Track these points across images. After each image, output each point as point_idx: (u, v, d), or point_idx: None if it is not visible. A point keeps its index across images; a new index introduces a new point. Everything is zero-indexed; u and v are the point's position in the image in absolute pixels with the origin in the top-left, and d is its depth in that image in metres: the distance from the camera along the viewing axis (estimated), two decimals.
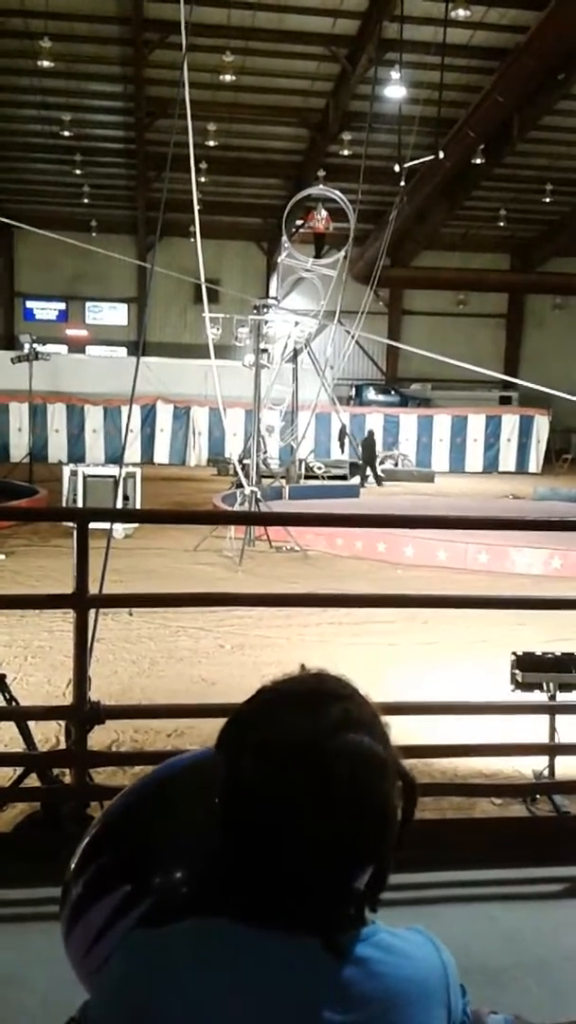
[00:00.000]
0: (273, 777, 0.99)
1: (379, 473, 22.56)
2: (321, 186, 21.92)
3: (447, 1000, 1.06)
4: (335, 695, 1.04)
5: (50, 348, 25.96)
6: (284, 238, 20.09)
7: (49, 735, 4.77)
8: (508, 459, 28.36)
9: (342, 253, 19.44)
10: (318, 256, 22.04)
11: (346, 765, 0.98)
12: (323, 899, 1.00)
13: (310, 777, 0.98)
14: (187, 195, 8.77)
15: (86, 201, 30.39)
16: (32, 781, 3.63)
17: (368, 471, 22.10)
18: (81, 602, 3.22)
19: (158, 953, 1.02)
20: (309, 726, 1.00)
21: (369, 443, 23.01)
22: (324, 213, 23.13)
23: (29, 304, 34.32)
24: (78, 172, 28.35)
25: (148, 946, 1.04)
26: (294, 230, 30.29)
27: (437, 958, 1.07)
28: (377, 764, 1.01)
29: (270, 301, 17.00)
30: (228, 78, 21.70)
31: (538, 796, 4.16)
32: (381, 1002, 0.99)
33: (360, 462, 22.53)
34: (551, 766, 4.15)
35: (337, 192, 19.75)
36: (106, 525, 5.03)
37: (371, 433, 23.96)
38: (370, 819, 1.00)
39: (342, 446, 24.93)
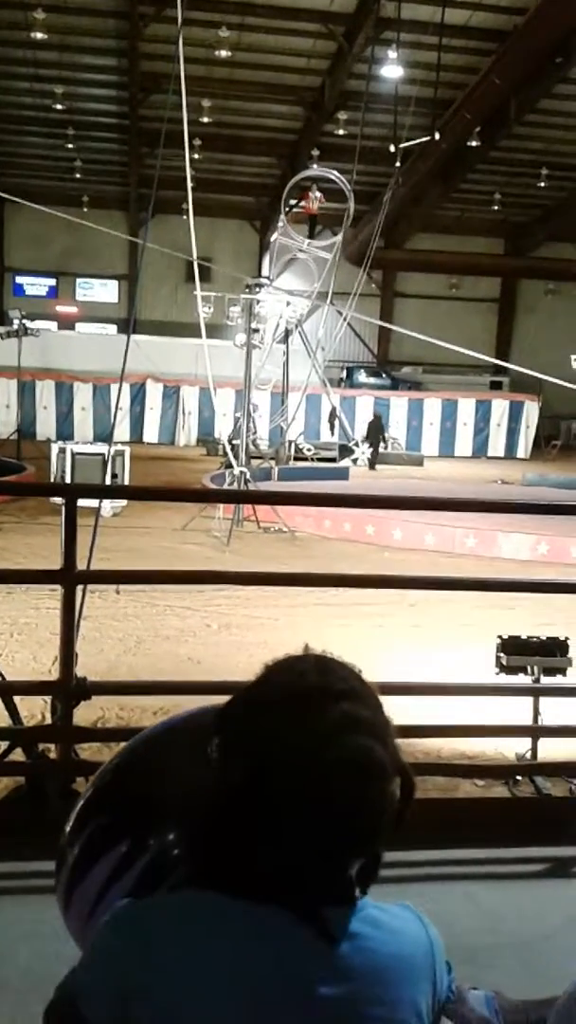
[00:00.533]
0: (270, 784, 0.98)
1: (374, 457, 22.72)
2: (317, 166, 21.69)
3: (433, 976, 1.08)
4: (336, 693, 1.01)
5: (39, 324, 25.76)
6: (281, 217, 19.88)
7: (35, 711, 4.77)
8: (498, 444, 28.40)
9: (340, 235, 19.29)
10: (311, 237, 21.87)
11: (344, 773, 0.98)
12: (314, 886, 1.00)
13: (307, 785, 0.97)
14: (180, 172, 8.70)
15: (78, 176, 30.07)
16: (17, 756, 3.64)
17: (365, 450, 22.32)
18: (69, 578, 3.21)
19: (147, 926, 1.02)
20: (307, 734, 0.98)
21: (376, 426, 23.28)
22: (319, 194, 22.90)
23: (19, 280, 34.01)
24: (70, 146, 28.05)
25: (136, 918, 1.04)
26: (287, 209, 30.09)
27: (424, 934, 1.09)
28: (376, 769, 1.00)
29: (262, 280, 16.90)
30: (224, 54, 21.47)
31: (520, 778, 4.19)
32: (369, 976, 1.01)
33: (349, 443, 22.59)
34: (534, 748, 4.19)
35: (336, 173, 19.54)
36: (94, 503, 5.01)
37: (378, 417, 24.23)
38: (366, 818, 1.00)
39: (332, 428, 24.91)
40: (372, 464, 22.39)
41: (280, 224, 19.97)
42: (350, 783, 0.98)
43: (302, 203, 25.07)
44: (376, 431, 23.04)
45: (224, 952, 0.99)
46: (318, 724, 0.98)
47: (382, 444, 23.46)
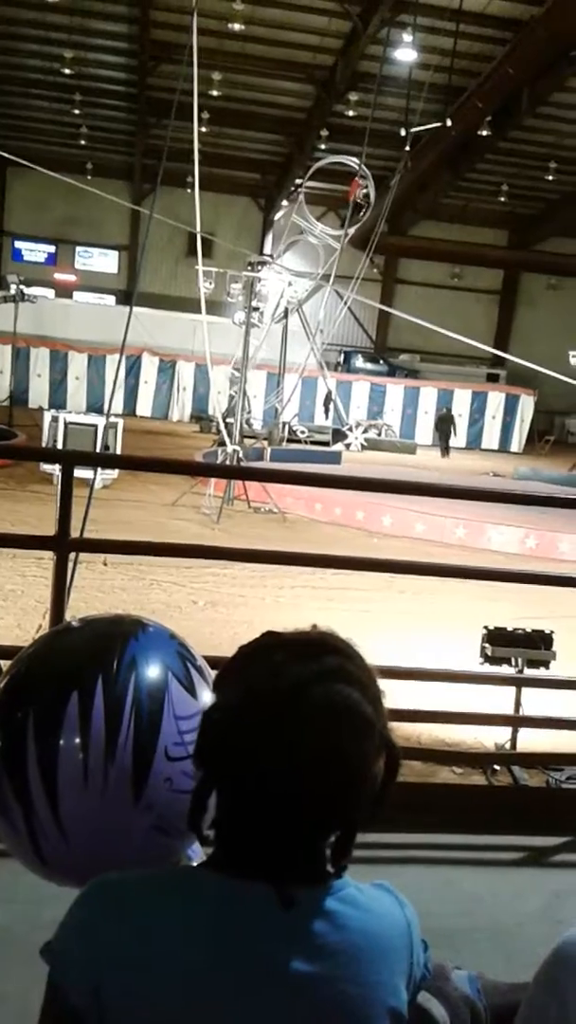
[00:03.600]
0: (253, 709, 1.00)
1: (446, 448, 24.39)
2: (348, 158, 21.06)
3: (410, 955, 1.08)
4: (336, 650, 1.05)
5: (37, 291, 25.55)
6: (301, 197, 19.48)
7: None
8: (491, 437, 28.44)
9: (354, 226, 19.01)
10: (344, 223, 21.51)
11: (328, 713, 0.99)
12: (287, 851, 1.01)
13: (291, 717, 0.98)
14: (187, 144, 8.60)
15: (83, 143, 29.77)
16: None
17: (359, 435, 22.78)
18: (62, 544, 3.20)
19: (123, 896, 1.03)
20: (301, 670, 1.00)
21: (447, 418, 25.31)
22: (366, 182, 22.00)
23: (18, 244, 33.71)
24: (76, 112, 27.74)
25: (113, 889, 1.04)
26: (293, 188, 29.85)
27: (401, 913, 1.09)
28: (361, 721, 1.01)
29: (265, 258, 16.80)
30: (237, 27, 21.23)
31: (498, 767, 4.23)
32: (346, 954, 1.01)
33: (343, 427, 22.67)
34: (513, 738, 4.22)
35: (365, 168, 18.91)
36: (86, 474, 4.99)
37: (448, 410, 26.14)
38: (343, 774, 1.00)
39: (327, 412, 24.89)
40: (445, 452, 24.17)
41: (295, 203, 19.58)
42: (332, 723, 0.99)
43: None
44: (447, 423, 25.06)
45: (200, 926, 0.99)
46: (312, 665, 1.01)
47: (452, 436, 25.17)
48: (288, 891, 0.99)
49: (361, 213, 18.77)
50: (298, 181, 25.98)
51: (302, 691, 0.99)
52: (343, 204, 20.17)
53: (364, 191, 18.09)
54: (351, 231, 18.88)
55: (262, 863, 1.00)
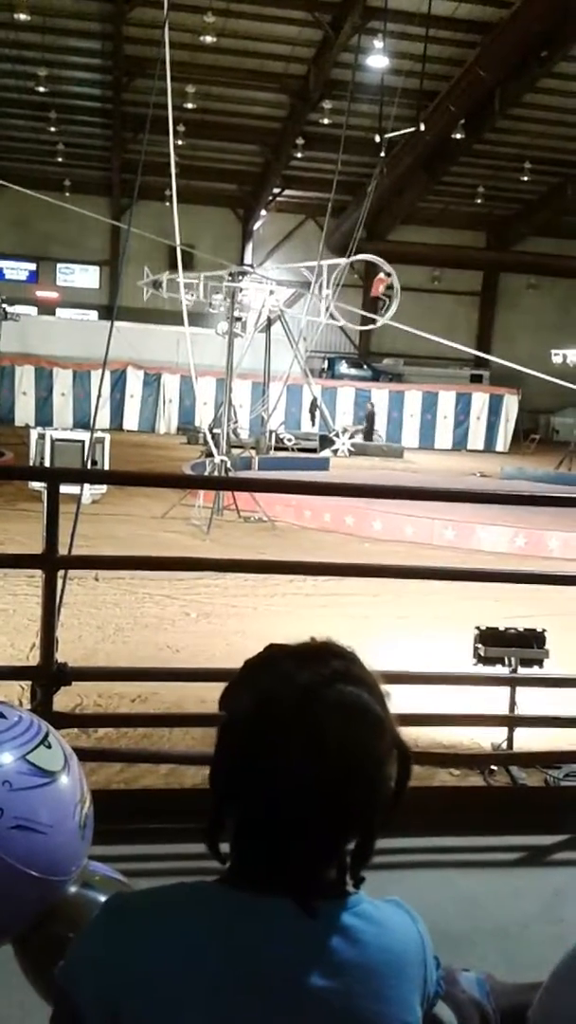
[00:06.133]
0: (268, 714, 1.00)
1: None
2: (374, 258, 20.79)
3: (424, 972, 1.09)
4: (339, 655, 1.07)
5: (19, 309, 25.53)
6: (329, 293, 19.02)
7: (12, 697, 4.75)
8: (477, 437, 28.52)
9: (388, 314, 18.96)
10: (372, 317, 21.58)
11: (341, 713, 1.00)
12: (306, 862, 1.01)
13: (303, 720, 0.99)
14: (164, 158, 8.63)
15: (60, 160, 29.78)
16: None
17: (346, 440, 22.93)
18: (50, 562, 3.20)
19: (140, 914, 1.03)
20: (309, 675, 1.02)
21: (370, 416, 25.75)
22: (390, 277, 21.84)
23: None
24: (53, 130, 27.76)
25: (130, 907, 1.05)
26: (270, 198, 29.98)
27: (415, 930, 1.09)
28: (372, 720, 1.03)
29: (246, 268, 16.83)
30: (209, 40, 21.31)
31: (495, 767, 4.23)
32: (362, 970, 1.01)
33: (330, 434, 22.74)
34: (509, 738, 4.22)
35: (387, 265, 18.78)
36: (74, 490, 4.99)
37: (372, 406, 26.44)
38: (358, 777, 1.01)
39: (313, 419, 24.94)
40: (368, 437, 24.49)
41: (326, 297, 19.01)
42: (344, 724, 1.00)
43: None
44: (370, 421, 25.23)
45: (216, 943, 0.99)
46: (319, 669, 1.03)
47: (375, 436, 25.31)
48: (309, 906, 0.99)
49: (382, 308, 18.89)
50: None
51: (314, 694, 1.00)
52: (320, 212, 20.23)
53: (388, 286, 18.26)
54: (380, 321, 19.09)
55: (280, 876, 1.00)
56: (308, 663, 1.03)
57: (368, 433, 24.93)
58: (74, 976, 1.03)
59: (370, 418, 25.69)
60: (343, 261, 18.73)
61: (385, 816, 1.04)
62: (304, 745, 0.98)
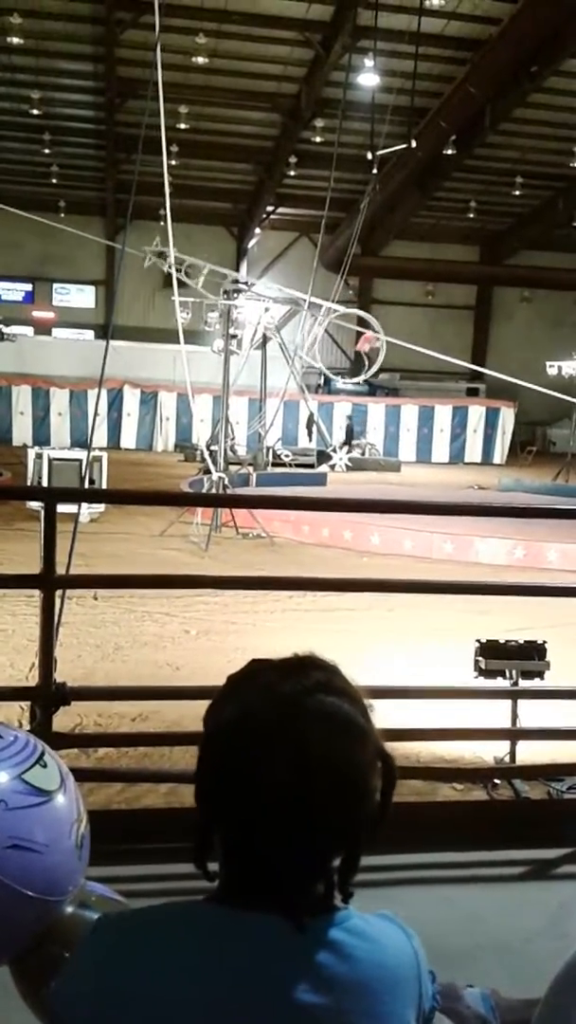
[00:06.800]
0: (249, 730, 1.00)
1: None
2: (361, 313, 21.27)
3: (419, 987, 1.07)
4: (321, 667, 1.06)
5: (16, 329, 25.63)
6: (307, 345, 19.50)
7: (12, 718, 4.73)
8: (474, 450, 28.56)
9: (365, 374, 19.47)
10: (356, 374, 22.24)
11: (324, 724, 1.00)
12: (294, 877, 1.00)
13: (285, 733, 0.98)
14: (157, 178, 8.68)
15: (54, 181, 29.97)
16: None
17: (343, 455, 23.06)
18: (48, 582, 3.19)
19: (131, 933, 1.02)
20: (291, 687, 1.02)
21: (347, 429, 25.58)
22: (375, 336, 22.64)
23: None
24: (47, 152, 27.96)
25: (121, 926, 1.04)
26: (264, 216, 30.12)
27: (408, 945, 1.08)
28: (355, 731, 1.02)
29: (240, 285, 16.90)
30: (201, 61, 21.50)
31: (498, 781, 4.21)
32: (354, 986, 1.00)
33: (327, 449, 22.77)
34: (512, 751, 4.21)
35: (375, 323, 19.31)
36: (72, 508, 4.99)
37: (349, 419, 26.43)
38: (343, 788, 1.00)
39: (310, 434, 24.96)
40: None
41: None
42: (327, 735, 0.99)
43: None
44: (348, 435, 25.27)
45: (207, 961, 0.98)
46: (301, 681, 1.02)
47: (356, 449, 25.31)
48: (298, 923, 0.98)
49: (366, 367, 19.26)
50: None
51: (296, 705, 1.00)
52: (314, 229, 20.35)
53: (375, 345, 18.66)
54: (362, 378, 19.40)
55: (268, 893, 0.99)
56: (290, 675, 1.03)
57: (348, 445, 25.21)
58: (64, 997, 1.02)
59: (349, 432, 25.93)
60: (335, 310, 18.89)
61: (371, 829, 1.03)
62: (287, 757, 0.97)
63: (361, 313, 19.41)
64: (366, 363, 19.52)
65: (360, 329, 21.82)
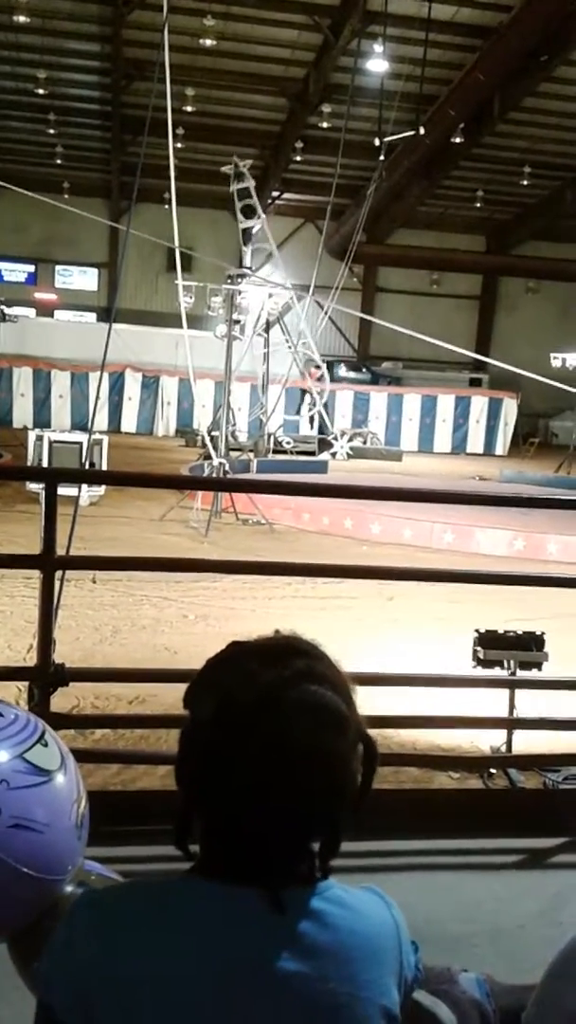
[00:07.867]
0: (230, 719, 1.00)
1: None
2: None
3: (399, 955, 1.08)
4: (303, 652, 1.06)
5: (18, 311, 25.54)
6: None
7: (9, 698, 4.73)
8: (476, 441, 28.52)
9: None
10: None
11: (304, 714, 1.00)
12: (275, 856, 1.01)
13: (268, 721, 0.99)
14: (163, 160, 8.66)
15: (59, 162, 29.79)
16: None
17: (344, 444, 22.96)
18: (48, 563, 3.19)
19: (113, 909, 1.03)
20: (272, 675, 1.01)
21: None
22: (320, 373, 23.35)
23: None
24: (51, 132, 27.77)
25: (103, 903, 1.05)
26: (269, 201, 30.02)
27: (388, 914, 1.09)
28: (337, 719, 1.02)
29: (245, 271, 16.84)
30: (208, 43, 21.34)
31: (494, 770, 4.22)
32: (334, 954, 1.01)
33: (328, 437, 22.74)
34: (508, 741, 4.21)
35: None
36: (72, 491, 4.98)
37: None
38: (325, 774, 1.01)
39: (311, 422, 24.92)
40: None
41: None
42: (309, 723, 1.00)
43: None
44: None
45: (189, 934, 0.99)
46: (282, 669, 1.02)
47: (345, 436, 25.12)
48: (278, 895, 0.99)
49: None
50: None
51: (276, 695, 1.00)
52: (320, 215, 20.27)
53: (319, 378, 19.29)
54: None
55: (250, 869, 1.00)
56: (271, 662, 1.03)
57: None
58: (45, 973, 1.03)
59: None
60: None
61: (352, 812, 1.04)
62: (266, 746, 0.98)
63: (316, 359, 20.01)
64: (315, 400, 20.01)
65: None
